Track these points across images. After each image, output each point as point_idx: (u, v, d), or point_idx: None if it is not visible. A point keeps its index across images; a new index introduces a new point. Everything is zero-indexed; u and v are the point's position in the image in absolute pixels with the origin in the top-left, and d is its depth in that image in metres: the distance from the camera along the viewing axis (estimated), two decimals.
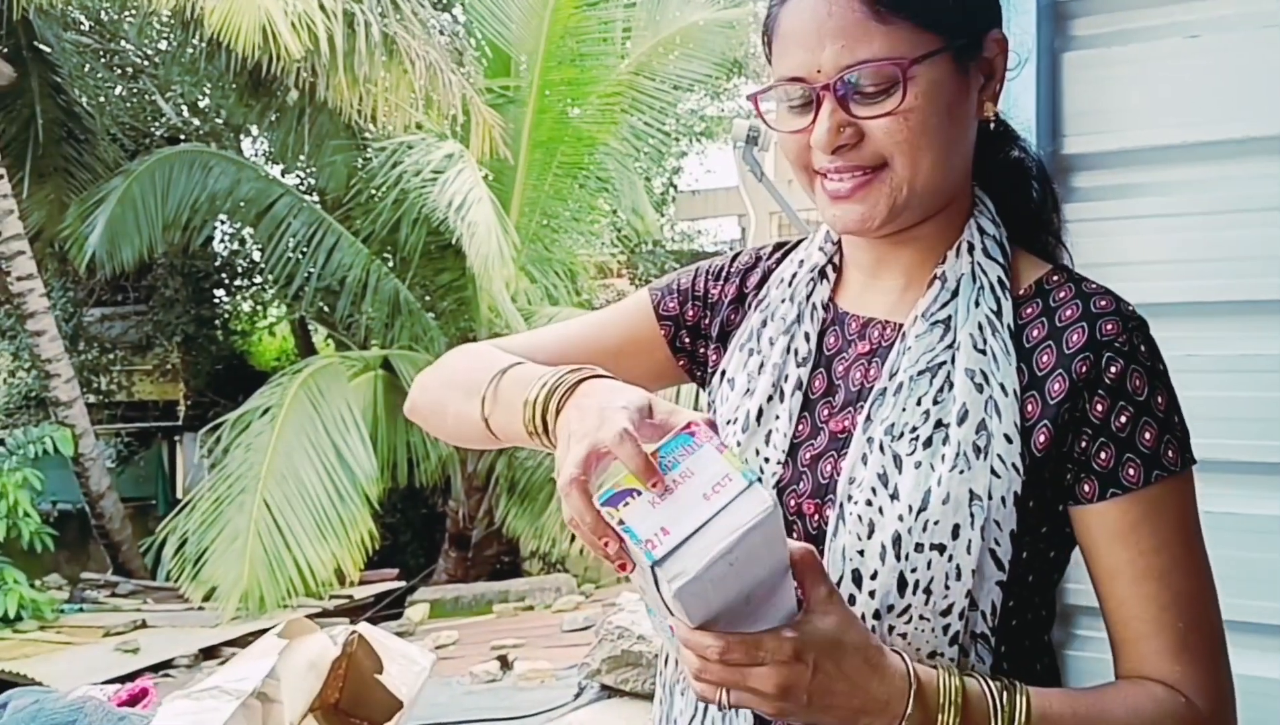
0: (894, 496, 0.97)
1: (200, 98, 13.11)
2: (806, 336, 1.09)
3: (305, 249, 10.21)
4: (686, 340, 1.21)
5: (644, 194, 12.59)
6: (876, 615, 0.96)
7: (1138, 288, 1.74)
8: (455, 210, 8.57)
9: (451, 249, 9.66)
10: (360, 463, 8.73)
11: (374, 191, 10.09)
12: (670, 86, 10.71)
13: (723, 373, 1.15)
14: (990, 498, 0.96)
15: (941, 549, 0.95)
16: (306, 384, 8.89)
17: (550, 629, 7.36)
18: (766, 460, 1.06)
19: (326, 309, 11.69)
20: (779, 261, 1.18)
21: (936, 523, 0.96)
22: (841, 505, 0.99)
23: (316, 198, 11.60)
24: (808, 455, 1.05)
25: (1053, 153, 1.78)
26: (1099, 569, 0.99)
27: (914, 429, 0.99)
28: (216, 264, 14.05)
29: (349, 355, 10.40)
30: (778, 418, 1.07)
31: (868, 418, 1.01)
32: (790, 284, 1.14)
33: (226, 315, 14.88)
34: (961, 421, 0.98)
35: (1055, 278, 1.04)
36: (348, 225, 10.36)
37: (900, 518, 0.96)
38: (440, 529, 11.07)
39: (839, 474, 1.01)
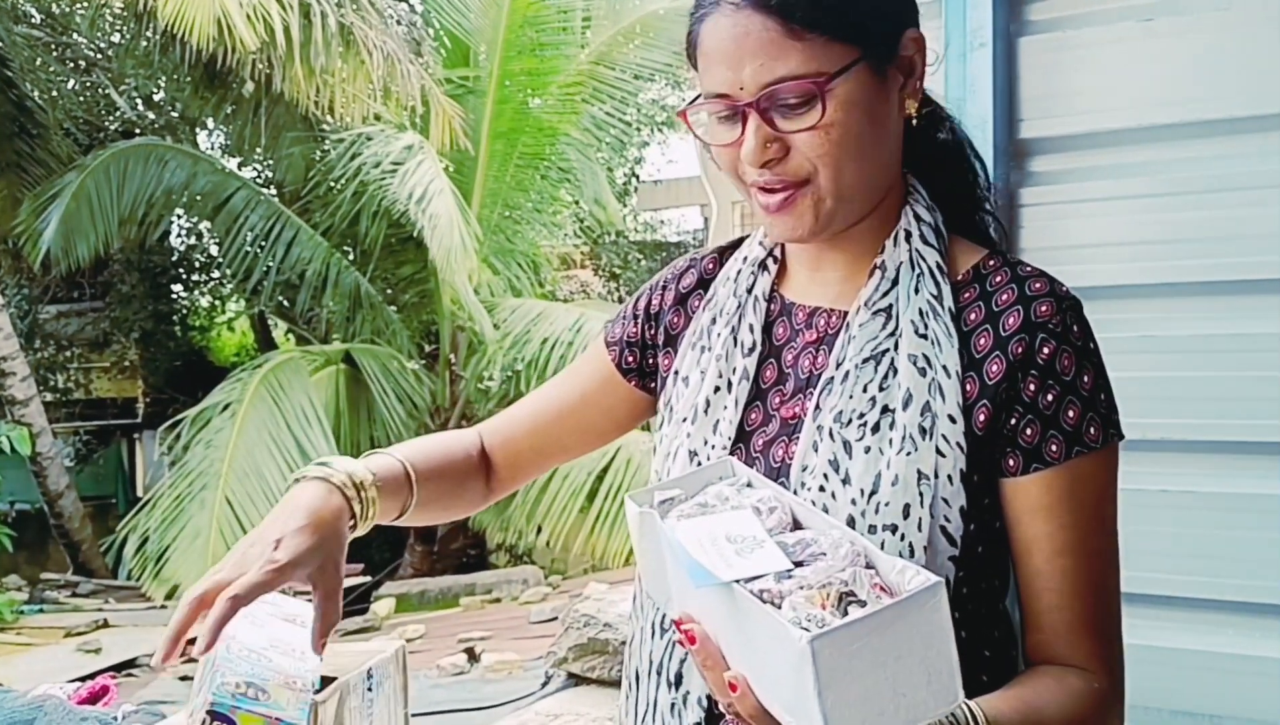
0: (845, 481, 1.00)
1: (155, 91, 12.93)
2: (750, 327, 1.12)
3: (264, 243, 10.11)
4: (631, 359, 1.23)
5: (606, 185, 12.57)
6: None
7: (1094, 270, 1.77)
8: (416, 202, 8.52)
9: (413, 241, 9.61)
10: (321, 457, 8.66)
11: (333, 184, 10.01)
12: (631, 76, 10.69)
13: (675, 372, 1.17)
14: (937, 476, 0.99)
15: (894, 529, 0.98)
16: (267, 379, 8.82)
17: (517, 621, 7.35)
18: (714, 448, 1.09)
19: (286, 303, 11.58)
20: (718, 262, 1.21)
21: (887, 504, 0.98)
22: (795, 491, 1.01)
23: (274, 191, 11.49)
24: (760, 442, 1.08)
25: (1010, 137, 1.79)
26: (1018, 541, 1.03)
27: (861, 416, 1.02)
28: (174, 259, 13.89)
29: (310, 350, 10.32)
30: (725, 408, 1.10)
31: (817, 406, 1.04)
32: (735, 279, 1.16)
33: (185, 311, 14.72)
34: (906, 405, 1.01)
35: (991, 262, 1.07)
36: (307, 218, 10.27)
37: (853, 501, 0.99)
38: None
39: (790, 460, 1.04)
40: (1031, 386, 1.01)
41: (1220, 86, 1.65)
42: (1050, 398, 1.01)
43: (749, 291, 1.15)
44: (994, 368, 1.01)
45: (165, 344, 14.21)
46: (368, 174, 8.96)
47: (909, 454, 0.99)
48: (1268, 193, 1.62)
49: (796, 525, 0.91)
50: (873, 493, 0.99)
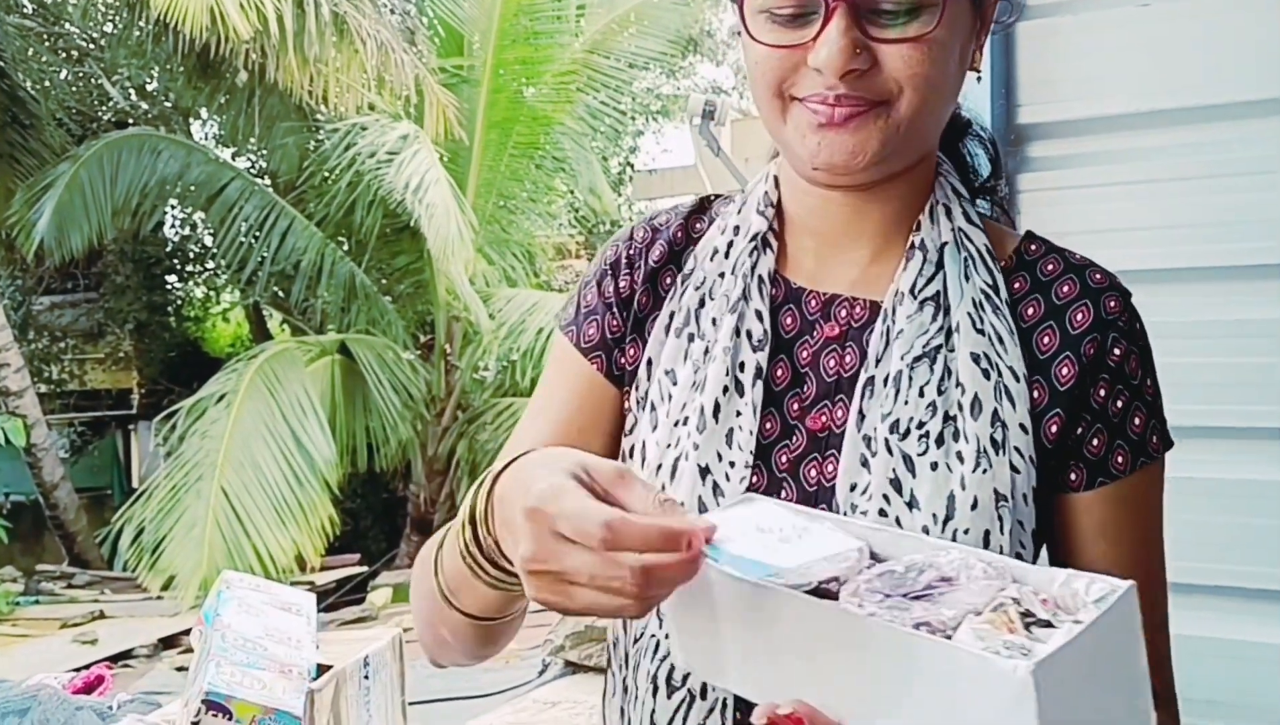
0: (911, 504, 0.86)
1: (148, 81, 12.86)
2: (759, 315, 0.93)
3: (258, 233, 10.08)
4: (621, 361, 0.99)
5: (601, 174, 12.53)
6: None
7: (1092, 256, 1.76)
8: (412, 192, 8.49)
9: (408, 231, 9.58)
10: (319, 448, 8.66)
11: (327, 174, 9.97)
12: (626, 65, 10.65)
13: (649, 362, 0.96)
14: (1013, 497, 0.87)
15: None
16: (262, 370, 8.80)
17: None
18: (732, 464, 0.90)
19: (281, 294, 11.55)
20: (686, 231, 1.00)
21: (966, 531, 0.85)
22: (869, 464, 0.87)
23: (268, 181, 11.44)
24: (783, 458, 0.91)
25: (1007, 123, 1.78)
26: (1076, 557, 0.91)
27: (921, 425, 0.88)
28: (168, 250, 13.84)
29: (305, 340, 10.29)
30: (739, 414, 0.91)
31: (860, 413, 0.89)
32: (727, 255, 0.96)
33: (179, 302, 14.67)
34: (975, 414, 0.88)
35: (1034, 247, 0.95)
36: (301, 208, 10.23)
37: (925, 529, 0.85)
38: (402, 513, 11.01)
39: (831, 480, 0.89)
40: (1102, 392, 0.90)
41: (1219, 71, 1.65)
42: (1119, 404, 0.91)
43: (752, 272, 0.95)
44: (1064, 371, 0.90)
45: (160, 335, 14.17)
46: (363, 164, 8.93)
47: (984, 472, 0.86)
48: (1269, 178, 1.62)
49: (874, 557, 0.73)
50: (947, 518, 0.85)
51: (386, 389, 9.49)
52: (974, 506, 0.85)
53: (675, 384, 0.94)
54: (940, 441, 0.87)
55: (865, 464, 0.87)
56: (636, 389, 0.97)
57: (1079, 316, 0.91)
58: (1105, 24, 1.72)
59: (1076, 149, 1.76)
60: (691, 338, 0.95)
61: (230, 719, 1.32)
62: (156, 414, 9.83)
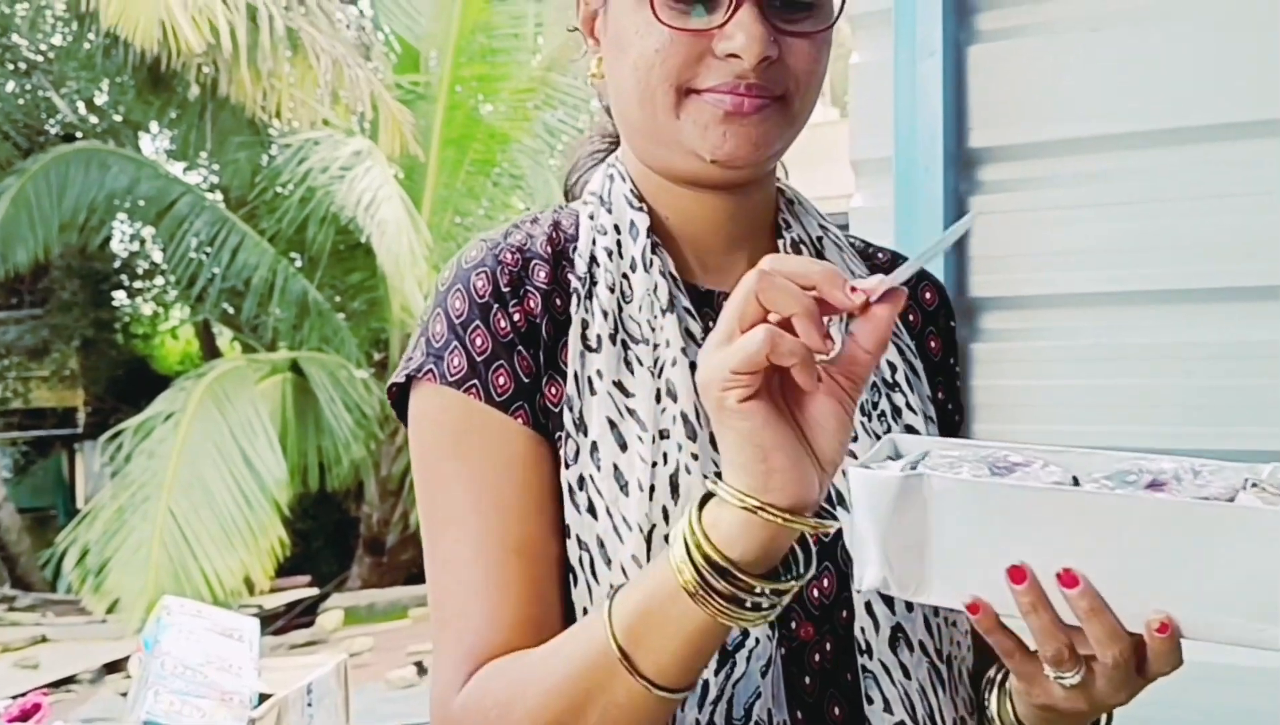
0: None
1: (97, 94, 12.69)
2: (690, 313, 0.88)
3: (209, 249, 9.97)
4: (545, 405, 0.86)
5: (558, 192, 12.51)
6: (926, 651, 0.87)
7: (1043, 278, 1.77)
8: (364, 208, 8.44)
9: (361, 248, 9.52)
10: (269, 468, 8.55)
11: (280, 189, 9.89)
12: (584, 82, 10.67)
13: (588, 380, 0.84)
14: None
15: None
16: (212, 388, 8.68)
17: None
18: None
19: (232, 311, 11.42)
20: (555, 244, 0.90)
21: None
22: (846, 504, 0.85)
23: (220, 196, 11.32)
24: None
25: (959, 146, 1.79)
26: None
27: (875, 404, 0.91)
28: (116, 265, 13.64)
29: (256, 358, 10.18)
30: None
31: None
32: (621, 255, 0.88)
33: (127, 318, 14.46)
34: (912, 388, 0.92)
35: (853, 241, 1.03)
36: (253, 224, 10.13)
37: None
38: (354, 534, 10.90)
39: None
40: (951, 360, 1.01)
41: (1169, 95, 1.66)
42: (956, 384, 1.01)
43: (664, 275, 0.88)
44: (933, 344, 1.00)
45: (107, 352, 13.95)
46: (315, 179, 8.87)
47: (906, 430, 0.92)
48: (1217, 202, 1.64)
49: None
50: None
51: (339, 407, 9.40)
52: None
53: (631, 396, 0.84)
54: (898, 414, 0.91)
55: (850, 453, 0.85)
56: (570, 412, 0.84)
57: (927, 295, 1.02)
58: (1056, 49, 1.73)
59: (1028, 172, 1.77)
60: (626, 344, 0.86)
61: None
62: (103, 433, 9.66)
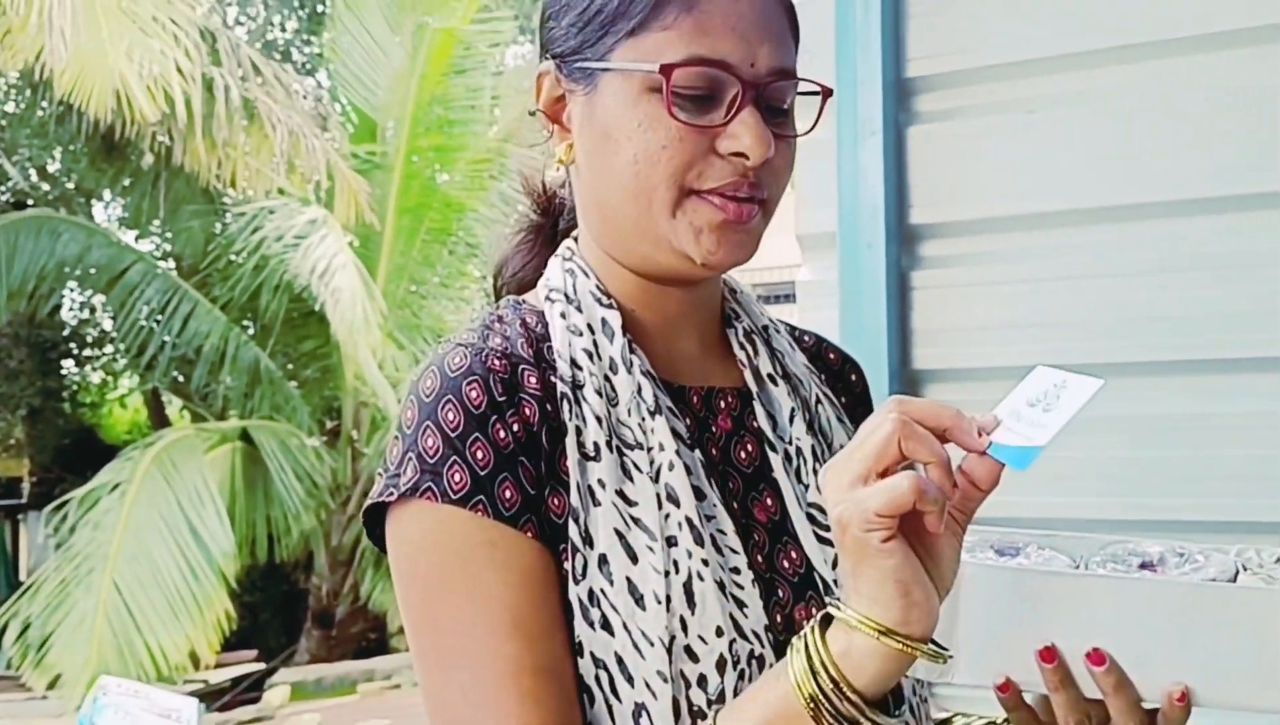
0: None
1: (49, 161, 12.60)
2: (673, 413, 0.88)
3: (159, 317, 9.85)
4: (549, 514, 0.83)
5: None
6: None
7: (983, 352, 1.81)
8: (319, 276, 8.42)
9: (315, 316, 9.47)
10: (217, 539, 8.39)
11: (234, 257, 9.84)
12: (539, 153, 10.73)
13: (590, 489, 0.83)
14: None
15: None
16: (160, 458, 8.53)
17: (419, 707, 7.14)
18: (736, 571, 0.84)
19: (182, 379, 11.27)
20: (533, 343, 0.87)
21: None
22: (833, 592, 0.88)
23: (172, 264, 11.24)
24: (759, 556, 0.88)
25: (900, 222, 1.83)
26: None
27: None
28: (65, 333, 13.43)
29: (205, 427, 10.03)
30: (711, 519, 0.85)
31: (794, 497, 0.91)
32: (599, 355, 0.87)
33: (75, 387, 14.20)
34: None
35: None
36: (205, 292, 10.05)
37: None
38: (302, 606, 10.68)
39: (801, 568, 0.89)
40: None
41: (1101, 175, 1.72)
42: None
43: (645, 374, 0.88)
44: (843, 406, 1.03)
45: (54, 421, 13.67)
46: (269, 247, 8.84)
47: None
48: (1148, 278, 1.69)
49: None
50: None
51: (289, 477, 9.26)
52: None
53: (634, 504, 0.83)
54: None
55: (822, 541, 0.89)
56: (576, 523, 0.81)
57: (853, 377, 1.06)
58: (992, 129, 1.78)
59: (967, 248, 1.81)
60: (621, 450, 0.84)
61: None
62: (47, 503, 9.43)
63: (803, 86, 0.88)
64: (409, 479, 0.80)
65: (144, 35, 8.20)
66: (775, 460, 0.92)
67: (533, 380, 0.84)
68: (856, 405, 1.05)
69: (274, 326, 9.98)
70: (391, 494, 0.81)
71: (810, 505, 0.91)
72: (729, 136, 0.82)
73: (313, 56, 13.59)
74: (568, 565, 0.81)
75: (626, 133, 0.84)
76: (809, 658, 0.70)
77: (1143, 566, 0.81)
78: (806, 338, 1.06)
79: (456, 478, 0.79)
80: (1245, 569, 0.81)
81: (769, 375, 0.95)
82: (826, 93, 0.89)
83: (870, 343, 1.78)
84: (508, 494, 0.80)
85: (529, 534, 0.80)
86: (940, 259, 1.83)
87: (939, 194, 1.81)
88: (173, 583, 8.07)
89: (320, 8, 13.47)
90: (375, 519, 0.85)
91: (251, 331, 10.33)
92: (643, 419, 0.85)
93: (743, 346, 0.96)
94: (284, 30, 14.14)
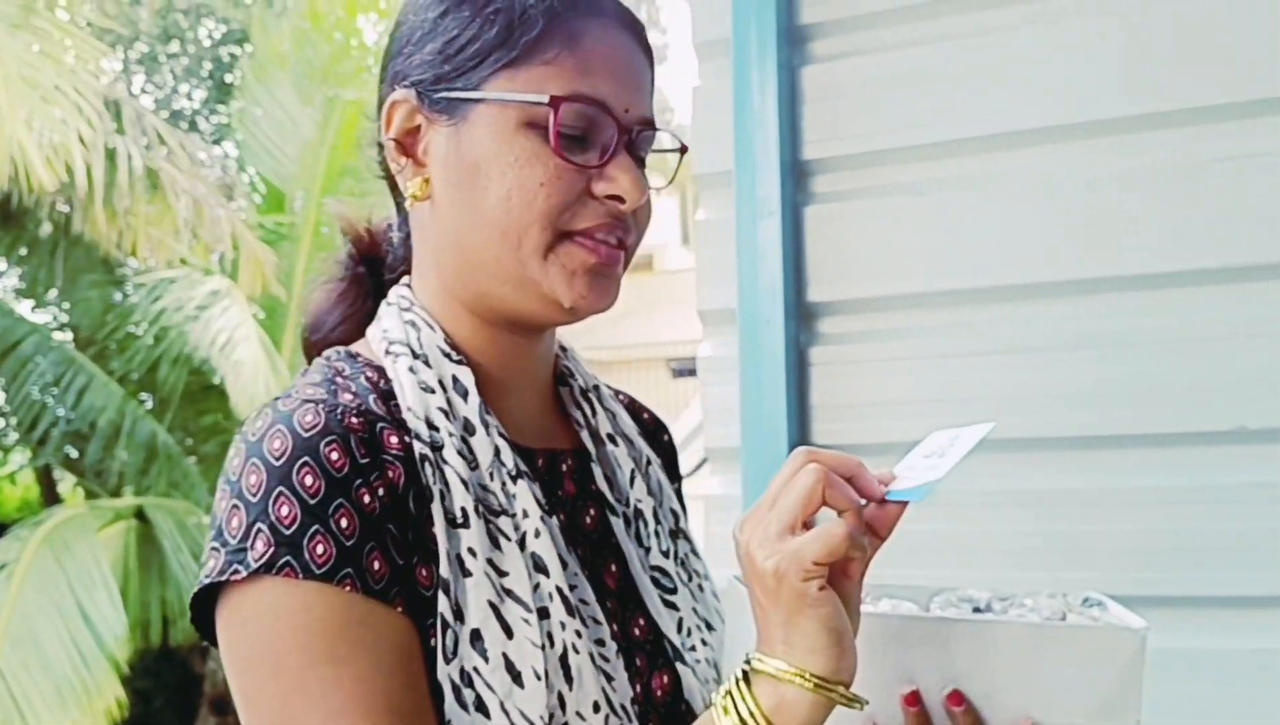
0: (707, 623, 0.94)
1: None
2: (530, 478, 0.85)
3: (54, 390, 9.53)
4: (416, 586, 0.78)
5: None
6: None
7: (879, 427, 1.83)
8: (220, 348, 8.25)
9: (215, 389, 9.24)
10: (108, 623, 8.04)
11: (132, 328, 9.59)
12: (364, 197, 10.74)
13: (458, 558, 0.78)
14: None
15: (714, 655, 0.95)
16: (50, 537, 8.18)
17: None
18: (600, 643, 0.82)
19: (75, 454, 10.87)
20: (386, 402, 0.82)
21: (717, 610, 0.96)
22: (683, 658, 0.88)
23: (69, 335, 10.91)
24: (614, 625, 0.86)
25: (799, 300, 1.86)
26: None
27: (672, 552, 0.94)
28: None
29: (99, 504, 9.66)
30: (575, 588, 0.83)
31: (638, 560, 0.90)
32: (453, 414, 0.82)
33: None
34: (693, 541, 0.99)
35: None
36: (102, 364, 9.75)
37: (712, 628, 0.94)
38: (197, 693, 10.27)
39: (649, 634, 0.88)
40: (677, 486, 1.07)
41: (986, 255, 1.77)
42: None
43: (500, 435, 0.84)
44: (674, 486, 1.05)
45: None
46: (169, 318, 8.65)
47: (700, 556, 0.99)
48: (1036, 355, 1.74)
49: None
50: (712, 615, 0.95)
51: (185, 556, 8.95)
52: (714, 593, 0.97)
53: (505, 574, 0.78)
54: (691, 555, 0.97)
55: (670, 605, 0.90)
56: (447, 596, 0.76)
57: (665, 438, 1.08)
58: (883, 211, 1.83)
59: (862, 326, 1.85)
60: (488, 517, 0.80)
61: None
62: None
63: (663, 142, 0.89)
64: (261, 554, 0.72)
65: (45, 103, 8.03)
66: (616, 524, 0.91)
67: (394, 440, 0.78)
68: (670, 465, 1.07)
69: (172, 400, 9.71)
70: (238, 573, 0.72)
71: (654, 568, 0.91)
72: (605, 179, 0.81)
73: (220, 126, 13.47)
74: (435, 642, 0.75)
75: (500, 168, 0.80)
76: (740, 717, 0.69)
77: (975, 610, 0.87)
78: (622, 397, 1.06)
79: (319, 550, 0.72)
80: (1070, 612, 0.89)
81: (608, 435, 0.94)
82: (683, 149, 0.90)
83: (770, 417, 1.80)
84: (376, 566, 0.74)
85: (399, 609, 0.74)
86: (837, 336, 1.87)
87: (835, 272, 1.85)
88: (61, 668, 7.70)
89: (229, 78, 13.39)
90: (207, 600, 0.76)
91: (149, 405, 10.04)
92: (504, 483, 0.81)
93: (578, 406, 0.94)
94: (191, 99, 14.00)
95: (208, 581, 0.74)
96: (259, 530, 0.72)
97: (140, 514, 9.27)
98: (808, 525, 0.69)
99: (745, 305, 1.86)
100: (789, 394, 1.81)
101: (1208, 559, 1.62)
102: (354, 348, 0.89)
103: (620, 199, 0.81)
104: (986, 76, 1.77)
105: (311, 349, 0.95)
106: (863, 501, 0.71)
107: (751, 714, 0.69)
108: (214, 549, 0.75)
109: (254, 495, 0.73)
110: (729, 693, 0.71)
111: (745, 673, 0.71)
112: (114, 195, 8.57)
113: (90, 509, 9.34)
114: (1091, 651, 0.81)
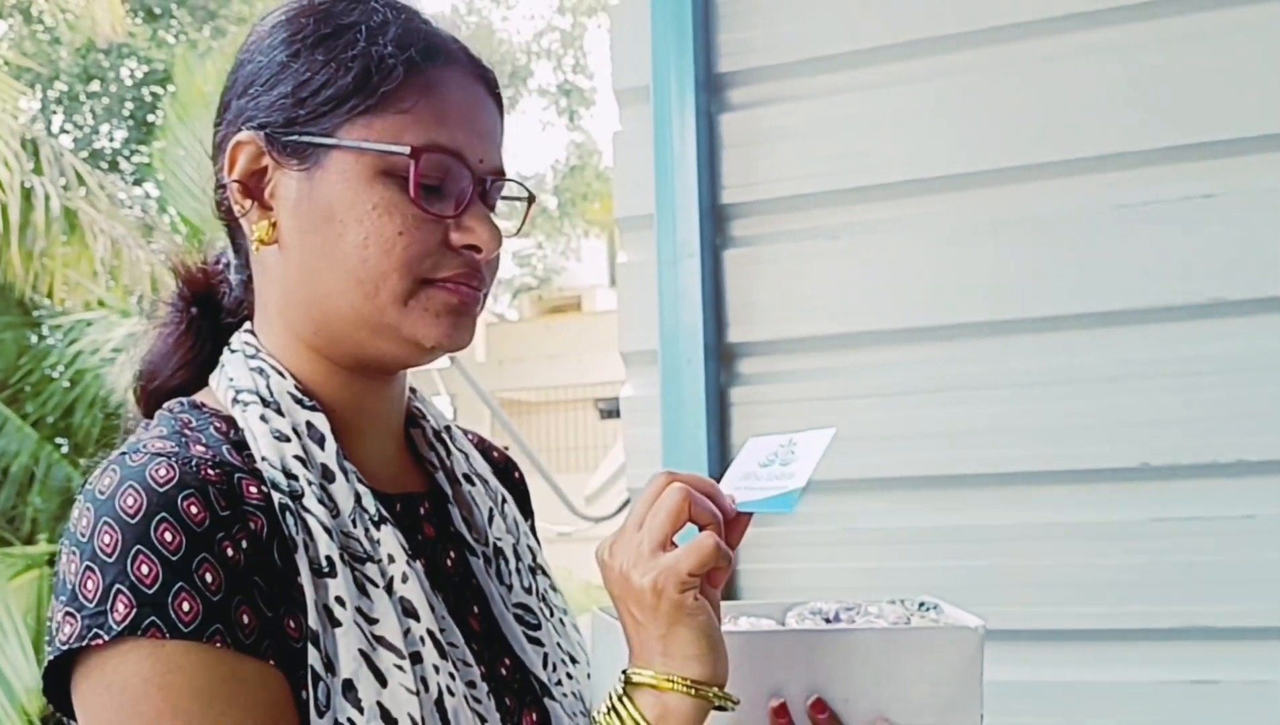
0: (572, 659, 0.95)
1: None
2: (391, 523, 0.84)
3: None
4: (285, 640, 0.76)
5: None
6: None
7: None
8: None
9: None
10: (20, 675, 7.76)
11: (48, 371, 9.35)
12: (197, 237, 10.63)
13: (326, 609, 0.76)
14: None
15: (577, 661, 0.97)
16: None
17: None
18: (472, 684, 0.82)
19: None
20: (239, 452, 0.80)
21: (579, 643, 0.98)
22: (551, 693, 0.89)
23: None
24: (483, 667, 0.85)
25: (718, 340, 1.90)
26: None
27: (535, 589, 0.96)
28: None
29: (10, 552, 9.35)
30: (443, 631, 0.82)
31: (500, 600, 0.91)
32: (313, 463, 0.81)
33: None
34: (550, 576, 1.00)
35: None
36: (16, 408, 9.49)
37: (576, 661, 0.96)
38: None
39: (520, 672, 0.89)
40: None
41: (898, 299, 1.82)
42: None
43: (361, 482, 0.83)
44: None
45: None
46: (86, 361, 8.46)
47: (558, 591, 1.00)
48: (953, 394, 1.79)
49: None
50: (576, 643, 0.97)
51: None
52: (574, 626, 0.98)
53: (375, 622, 0.77)
54: (551, 591, 0.98)
55: (535, 641, 0.91)
56: (317, 648, 0.74)
57: (516, 475, 1.09)
58: (800, 254, 1.88)
59: (779, 366, 1.89)
60: (353, 565, 0.78)
61: None
62: None
63: (511, 191, 0.90)
64: (124, 616, 0.69)
65: None
66: (476, 565, 0.91)
67: (253, 490, 0.76)
68: (522, 502, 1.08)
69: (88, 444, 9.47)
70: (99, 637, 0.69)
71: (516, 606, 0.92)
72: (462, 229, 0.82)
73: (142, 166, 13.26)
74: (306, 695, 0.73)
75: (356, 216, 0.80)
76: None
77: (826, 621, 0.94)
78: (471, 436, 1.06)
79: (185, 608, 0.70)
80: (912, 614, 0.96)
81: (464, 475, 0.94)
82: (531, 198, 0.92)
83: (691, 455, 1.82)
84: (245, 619, 0.72)
85: (271, 663, 0.73)
86: (756, 376, 1.90)
87: (754, 313, 1.89)
88: None
89: (151, 117, 13.20)
90: (63, 669, 0.73)
91: (65, 450, 9.77)
92: (367, 529, 0.80)
93: (432, 447, 0.93)
94: (112, 139, 13.77)
95: (65, 648, 0.71)
96: (118, 591, 0.70)
97: (54, 561, 8.99)
98: (673, 543, 0.74)
99: (666, 346, 1.88)
100: (709, 434, 1.84)
101: (1108, 593, 1.68)
102: (198, 398, 0.87)
103: (477, 249, 0.82)
104: (899, 125, 1.83)
105: (147, 398, 0.92)
106: (721, 516, 0.77)
107: (637, 724, 0.73)
108: (69, 614, 0.71)
109: (109, 556, 0.71)
110: (611, 709, 0.74)
111: (624, 688, 0.74)
112: (30, 236, 8.38)
113: (2, 557, 9.04)
114: (935, 651, 0.87)
